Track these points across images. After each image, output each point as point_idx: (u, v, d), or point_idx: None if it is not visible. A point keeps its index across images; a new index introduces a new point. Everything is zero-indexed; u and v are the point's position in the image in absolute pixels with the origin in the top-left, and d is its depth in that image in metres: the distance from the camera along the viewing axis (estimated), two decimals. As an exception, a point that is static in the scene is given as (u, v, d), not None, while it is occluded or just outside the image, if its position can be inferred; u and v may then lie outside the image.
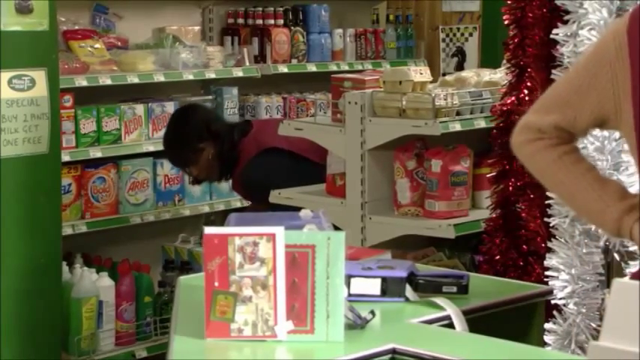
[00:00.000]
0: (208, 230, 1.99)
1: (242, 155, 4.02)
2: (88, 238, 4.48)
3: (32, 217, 3.79)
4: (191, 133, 4.06)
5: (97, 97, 4.53)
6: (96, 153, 4.39)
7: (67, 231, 4.20)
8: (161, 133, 4.67)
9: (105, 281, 4.19)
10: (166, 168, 4.71)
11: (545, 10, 2.46)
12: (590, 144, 2.24)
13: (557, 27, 2.35)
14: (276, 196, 3.61)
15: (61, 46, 4.28)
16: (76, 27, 4.49)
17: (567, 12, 2.33)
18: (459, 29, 5.88)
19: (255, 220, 2.21)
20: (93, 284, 4.12)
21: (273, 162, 3.94)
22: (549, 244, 2.48)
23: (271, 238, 1.97)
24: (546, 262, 2.50)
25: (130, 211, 4.55)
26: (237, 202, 4.84)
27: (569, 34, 2.31)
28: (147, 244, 4.78)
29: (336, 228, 2.17)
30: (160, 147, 4.63)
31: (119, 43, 4.63)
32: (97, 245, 4.60)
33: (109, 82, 4.36)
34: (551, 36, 2.38)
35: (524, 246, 2.65)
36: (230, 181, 4.22)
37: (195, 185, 4.47)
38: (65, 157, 4.17)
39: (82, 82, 4.28)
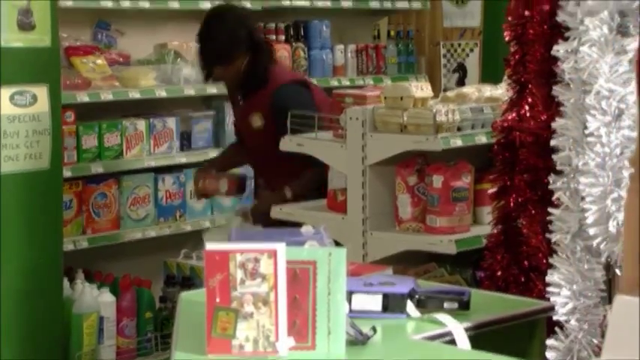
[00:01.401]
0: (209, 246, 1.99)
1: (271, 78, 3.92)
2: (89, 254, 4.47)
3: (33, 233, 3.79)
4: (240, 35, 3.92)
5: (98, 112, 4.53)
6: (97, 168, 4.39)
7: (68, 247, 4.20)
8: (163, 148, 4.68)
9: (106, 297, 4.19)
10: (167, 183, 4.72)
11: (545, 27, 2.47)
12: (592, 160, 2.24)
13: (557, 43, 2.36)
14: (277, 211, 3.61)
15: (63, 62, 4.29)
16: (78, 43, 4.50)
17: (568, 29, 2.33)
18: (459, 45, 5.89)
19: (256, 235, 2.21)
20: (94, 300, 4.11)
21: (305, 94, 3.94)
22: (551, 260, 2.48)
23: (272, 254, 1.97)
24: (548, 278, 2.50)
25: (131, 227, 4.55)
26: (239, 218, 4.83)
27: (569, 50, 2.31)
28: (148, 260, 4.77)
29: (337, 243, 2.17)
30: (161, 162, 4.64)
31: (121, 59, 4.64)
32: (98, 261, 4.60)
33: (110, 97, 4.37)
34: (552, 52, 2.38)
35: (525, 262, 2.65)
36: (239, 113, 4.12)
37: (208, 81, 4.15)
38: (67, 173, 4.17)
39: (83, 97, 4.29)
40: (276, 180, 3.92)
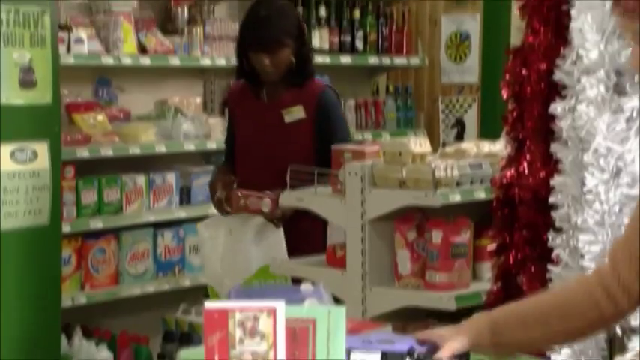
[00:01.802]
0: (209, 305, 1.98)
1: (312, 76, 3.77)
2: (87, 310, 4.45)
3: (32, 288, 3.77)
4: (291, 21, 3.72)
5: (98, 168, 4.55)
6: (97, 224, 4.39)
7: (67, 303, 4.18)
8: (162, 203, 4.68)
9: (104, 353, 4.17)
10: (167, 238, 4.71)
11: (542, 85, 2.49)
12: (590, 217, 2.25)
13: (555, 101, 2.38)
14: (277, 266, 3.60)
15: (64, 118, 4.32)
16: (79, 99, 4.54)
17: (565, 87, 2.36)
18: (458, 100, 5.93)
19: (256, 293, 2.21)
20: (92, 357, 4.09)
21: (340, 104, 4.03)
22: (551, 318, 2.47)
23: (272, 312, 1.96)
24: (548, 336, 2.49)
25: (129, 283, 4.54)
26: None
27: (567, 108, 2.34)
28: (147, 316, 4.75)
29: (337, 299, 2.16)
30: (160, 217, 4.65)
31: (121, 115, 4.67)
32: (97, 317, 4.58)
33: (110, 153, 4.39)
34: (550, 110, 2.41)
35: (525, 319, 2.64)
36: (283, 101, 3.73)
37: (240, 77, 3.80)
38: (66, 229, 4.18)
39: (83, 153, 4.31)
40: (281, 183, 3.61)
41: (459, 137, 5.80)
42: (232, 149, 3.87)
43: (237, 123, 3.83)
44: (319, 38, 5.42)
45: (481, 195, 3.32)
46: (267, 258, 3.63)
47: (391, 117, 5.77)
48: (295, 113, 3.71)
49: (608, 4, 2.24)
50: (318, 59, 5.34)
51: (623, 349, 2.39)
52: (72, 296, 4.28)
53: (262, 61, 3.64)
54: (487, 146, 3.58)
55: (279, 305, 1.97)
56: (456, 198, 3.27)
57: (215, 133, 4.85)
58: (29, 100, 3.79)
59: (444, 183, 3.26)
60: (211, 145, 4.78)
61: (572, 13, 2.29)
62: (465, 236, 3.26)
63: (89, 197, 4.41)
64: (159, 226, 4.66)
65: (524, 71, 2.56)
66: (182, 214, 4.73)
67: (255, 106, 3.76)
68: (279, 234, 3.69)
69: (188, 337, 4.55)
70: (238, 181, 3.78)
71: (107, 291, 4.45)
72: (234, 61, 3.92)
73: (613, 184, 2.23)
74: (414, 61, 5.89)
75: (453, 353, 2.03)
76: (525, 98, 2.56)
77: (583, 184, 2.28)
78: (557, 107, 2.35)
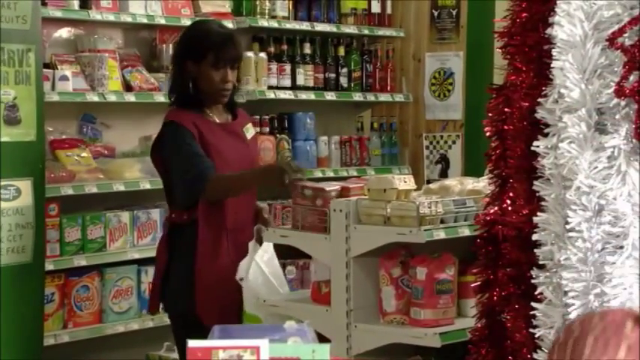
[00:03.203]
0: (192, 343, 1.97)
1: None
2: (70, 348, 4.42)
3: (14, 326, 3.74)
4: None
5: (82, 205, 4.54)
6: (80, 261, 4.37)
7: (49, 341, 4.15)
8: (146, 240, 4.67)
9: (87, 392, 4.13)
10: (151, 275, 4.69)
11: (525, 123, 2.50)
12: (574, 255, 2.25)
13: (537, 139, 2.39)
14: (261, 304, 3.59)
15: (48, 155, 4.32)
16: (64, 136, 4.54)
17: (547, 125, 2.37)
18: (442, 137, 5.96)
19: (239, 332, 2.19)
20: (74, 395, 4.05)
21: None
22: (535, 356, 2.46)
23: (255, 351, 1.95)
24: (533, 374, 2.48)
25: (113, 320, 4.51)
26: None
27: (549, 146, 2.34)
28: (130, 353, 4.72)
29: (321, 337, 2.16)
30: (145, 254, 4.63)
31: (106, 152, 4.67)
32: (80, 355, 4.54)
33: (94, 190, 4.38)
34: (532, 148, 2.42)
35: (510, 357, 2.63)
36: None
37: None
38: (49, 266, 4.15)
39: (67, 190, 4.30)
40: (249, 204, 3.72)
41: (444, 173, 5.83)
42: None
43: (203, 147, 3.62)
44: (304, 75, 5.45)
45: (465, 232, 3.33)
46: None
47: (376, 153, 5.80)
48: (251, 131, 3.76)
49: (589, 44, 2.27)
50: (303, 95, 5.38)
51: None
52: (54, 334, 4.24)
53: (227, 77, 3.62)
54: (471, 183, 3.60)
55: (263, 344, 1.96)
56: (441, 235, 3.28)
57: (200, 170, 4.84)
58: (13, 138, 3.78)
59: (429, 220, 3.27)
60: (196, 182, 4.77)
61: (554, 52, 2.31)
62: (449, 273, 3.27)
63: (73, 234, 4.39)
64: (143, 262, 4.64)
65: (506, 109, 2.57)
66: (166, 250, 4.71)
67: (212, 128, 3.65)
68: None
69: (171, 374, 4.53)
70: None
71: (90, 328, 4.42)
72: None
73: (595, 222, 2.24)
74: (399, 97, 5.92)
75: None
76: (508, 136, 2.57)
77: (566, 221, 2.28)
78: (539, 145, 2.37)
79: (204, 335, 3.57)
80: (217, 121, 3.69)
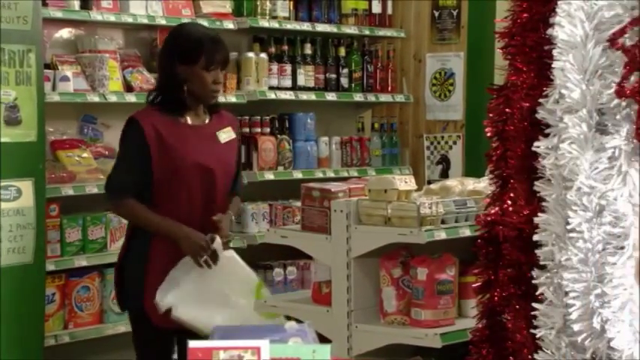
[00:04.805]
0: (193, 344, 1.97)
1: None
2: (70, 349, 4.42)
3: (14, 328, 3.74)
4: None
5: (83, 205, 4.54)
6: (81, 262, 4.37)
7: (50, 342, 4.16)
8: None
9: (87, 392, 4.14)
10: (152, 276, 4.69)
11: (526, 124, 2.50)
12: (574, 255, 2.25)
13: (538, 140, 2.39)
14: (261, 304, 3.59)
15: (49, 155, 4.32)
16: (64, 137, 4.54)
17: (548, 126, 2.37)
18: (442, 137, 5.96)
19: (240, 332, 2.19)
20: (75, 396, 4.05)
21: None
22: (536, 356, 2.46)
23: (256, 351, 1.96)
24: (534, 374, 2.48)
25: (114, 321, 4.51)
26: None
27: (550, 147, 2.35)
28: (131, 354, 4.71)
29: (322, 337, 2.16)
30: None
31: (106, 152, 4.67)
32: (80, 355, 4.54)
33: (95, 190, 4.38)
34: (533, 149, 2.42)
35: (510, 357, 2.63)
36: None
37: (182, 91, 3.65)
38: (50, 267, 4.16)
39: (68, 191, 4.30)
40: (222, 206, 3.67)
41: (444, 173, 5.83)
42: (148, 179, 3.56)
43: (162, 150, 3.56)
44: (305, 75, 5.45)
45: (466, 232, 3.33)
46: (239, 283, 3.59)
47: (376, 154, 5.80)
48: (228, 134, 3.75)
49: (590, 45, 2.27)
50: (303, 96, 5.38)
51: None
52: (55, 335, 4.24)
53: (218, 78, 3.66)
54: (472, 183, 3.60)
55: (264, 344, 1.96)
56: (441, 235, 3.28)
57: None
58: (14, 138, 3.79)
59: (429, 220, 3.27)
60: (197, 182, 4.77)
61: (555, 52, 2.31)
62: (450, 273, 3.27)
63: (73, 235, 4.39)
64: (143, 263, 4.64)
65: (507, 110, 2.57)
66: (167, 251, 4.70)
67: (178, 130, 3.62)
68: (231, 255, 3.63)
69: (172, 375, 4.52)
70: (165, 208, 3.57)
71: (91, 329, 4.42)
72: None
73: (596, 222, 2.24)
74: (399, 97, 5.93)
75: None
76: (509, 136, 2.56)
77: (567, 222, 2.28)
78: (540, 145, 2.37)
79: (155, 334, 3.60)
80: (190, 122, 3.66)
